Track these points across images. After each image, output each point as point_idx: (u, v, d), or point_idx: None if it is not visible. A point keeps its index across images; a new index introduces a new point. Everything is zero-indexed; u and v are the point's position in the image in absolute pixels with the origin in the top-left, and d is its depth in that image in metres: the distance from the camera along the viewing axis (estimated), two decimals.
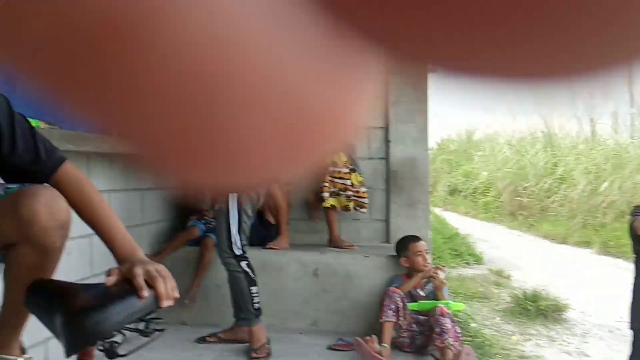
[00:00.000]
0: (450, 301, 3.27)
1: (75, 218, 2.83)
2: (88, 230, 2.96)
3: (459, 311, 3.58)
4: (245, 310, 3.16)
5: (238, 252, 3.13)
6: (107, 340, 1.08)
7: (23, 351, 1.49)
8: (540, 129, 13.31)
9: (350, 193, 3.85)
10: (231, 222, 3.12)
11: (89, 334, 1.04)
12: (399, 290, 3.29)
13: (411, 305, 3.24)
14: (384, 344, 3.06)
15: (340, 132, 0.22)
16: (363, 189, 3.91)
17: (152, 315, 1.16)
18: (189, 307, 3.64)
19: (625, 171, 9.79)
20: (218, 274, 3.47)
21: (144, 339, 1.16)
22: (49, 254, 1.30)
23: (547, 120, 12.89)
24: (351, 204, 3.85)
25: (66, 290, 1.15)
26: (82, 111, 0.21)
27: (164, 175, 0.23)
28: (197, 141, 0.20)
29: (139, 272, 1.15)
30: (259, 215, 3.90)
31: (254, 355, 3.08)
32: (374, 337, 3.05)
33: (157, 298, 1.12)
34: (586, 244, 9.06)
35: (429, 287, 3.33)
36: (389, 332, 3.14)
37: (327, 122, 0.21)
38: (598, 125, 11.67)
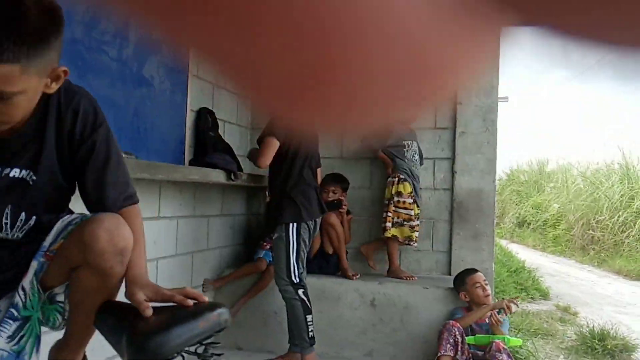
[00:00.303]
0: (507, 336, 3.22)
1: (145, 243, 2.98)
2: (154, 255, 3.10)
3: (517, 347, 3.50)
4: (299, 337, 3.23)
5: (296, 280, 3.22)
6: None
7: None
8: (617, 160, 12.82)
9: (413, 224, 3.88)
10: (290, 250, 3.21)
11: (151, 355, 1.12)
12: (458, 324, 3.26)
13: (468, 339, 3.22)
14: None
15: (453, 82, 0.23)
16: (417, 222, 3.94)
17: (211, 340, 1.22)
18: (242, 335, 3.73)
19: None
20: (276, 300, 3.57)
21: None
22: (107, 278, 1.35)
23: (625, 151, 12.41)
24: (414, 235, 3.88)
25: (133, 312, 1.24)
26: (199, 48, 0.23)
27: (281, 113, 0.23)
28: (316, 79, 0.20)
29: (187, 291, 1.28)
30: (320, 247, 3.99)
31: None
32: None
33: (218, 323, 1.20)
34: None
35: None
36: None
37: (443, 72, 0.22)
38: None
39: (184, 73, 3.42)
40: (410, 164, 3.97)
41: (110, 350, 1.26)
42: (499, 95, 4.26)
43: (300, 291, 3.23)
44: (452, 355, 3.16)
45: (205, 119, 3.71)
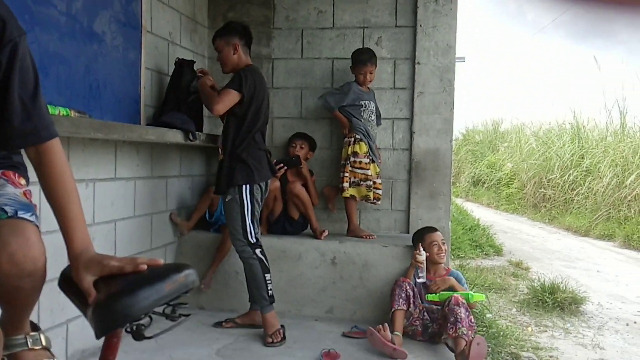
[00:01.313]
0: (471, 292, 3.31)
1: (101, 205, 2.93)
2: (112, 216, 3.08)
3: (480, 302, 3.61)
4: (259, 296, 3.24)
5: (252, 239, 3.22)
6: (135, 323, 1.15)
7: (35, 328, 1.53)
8: (568, 120, 13.14)
9: (370, 183, 3.91)
10: (245, 211, 3.20)
11: (118, 317, 1.11)
12: (408, 280, 3.36)
13: (431, 297, 3.29)
14: (395, 332, 3.13)
15: None
16: (379, 180, 3.98)
17: (179, 301, 1.21)
18: (205, 292, 3.75)
19: None
20: (237, 260, 3.56)
21: (170, 323, 1.21)
22: (18, 293, 1.30)
23: (576, 111, 12.72)
24: (371, 194, 3.91)
25: (111, 277, 1.21)
26: None
27: None
28: None
29: (139, 260, 1.19)
30: (283, 210, 3.99)
31: (269, 340, 3.18)
32: (386, 325, 3.12)
33: (185, 284, 1.18)
34: (609, 237, 8.97)
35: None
36: (400, 320, 3.21)
37: None
38: (628, 117, 11.47)
39: (137, 28, 3.30)
40: (366, 124, 3.98)
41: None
42: (456, 56, 4.28)
43: (257, 250, 3.23)
44: (405, 309, 3.26)
45: (190, 68, 3.61)
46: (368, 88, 4.08)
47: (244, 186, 3.19)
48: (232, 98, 3.15)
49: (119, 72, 3.14)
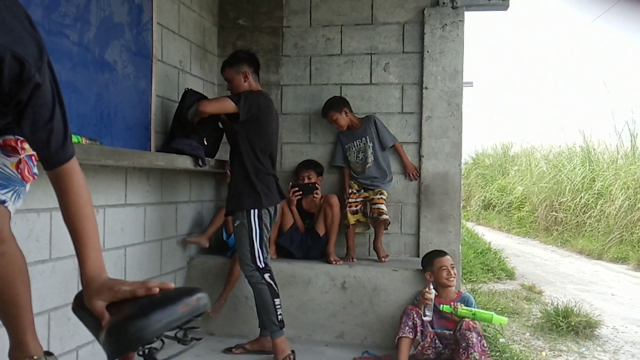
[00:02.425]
0: (494, 313, 3.25)
1: (111, 231, 2.96)
2: (122, 242, 3.09)
3: (501, 324, 3.57)
4: (268, 322, 3.24)
5: (261, 264, 3.23)
6: (147, 346, 1.15)
7: (49, 354, 1.57)
8: (578, 143, 13.10)
9: (353, 208, 4.10)
10: (253, 236, 3.21)
11: (131, 340, 1.11)
12: (416, 308, 3.33)
13: (445, 308, 3.24)
14: None
15: None
16: (379, 196, 4.09)
17: (191, 325, 1.21)
18: (215, 318, 3.74)
19: None
20: (246, 285, 3.56)
21: (182, 347, 1.21)
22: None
23: (586, 134, 12.69)
24: (353, 218, 4.10)
25: (124, 301, 1.21)
26: None
27: None
28: None
29: (151, 284, 1.19)
30: (309, 226, 4.02)
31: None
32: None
33: (197, 307, 1.18)
34: (622, 260, 8.87)
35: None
36: (405, 349, 3.18)
37: None
38: (638, 140, 11.42)
39: (147, 57, 3.36)
40: (355, 166, 4.19)
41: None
42: (463, 80, 4.32)
43: (266, 275, 3.23)
44: (411, 337, 3.22)
45: (193, 98, 3.65)
46: (355, 124, 4.19)
47: (252, 211, 3.21)
48: (224, 104, 3.25)
49: (130, 100, 3.19)
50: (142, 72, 3.31)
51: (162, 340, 1.16)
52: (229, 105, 3.22)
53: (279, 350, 3.20)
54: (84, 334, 2.73)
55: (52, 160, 1.25)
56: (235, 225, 3.25)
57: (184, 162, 3.30)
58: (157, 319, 1.12)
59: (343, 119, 4.14)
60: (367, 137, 4.15)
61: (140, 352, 1.16)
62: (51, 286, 2.44)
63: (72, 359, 2.69)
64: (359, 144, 4.16)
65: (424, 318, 3.28)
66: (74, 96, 2.68)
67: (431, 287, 3.32)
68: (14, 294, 1.50)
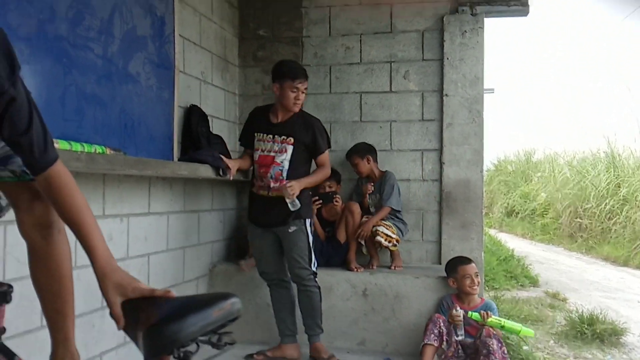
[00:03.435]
0: (522, 325, 3.21)
1: (135, 239, 3.01)
2: (145, 250, 3.13)
3: (528, 337, 3.54)
4: (314, 325, 3.45)
5: (315, 269, 3.44)
6: (182, 350, 1.16)
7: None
8: (602, 149, 12.93)
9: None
10: (310, 242, 3.42)
11: (167, 342, 1.13)
12: (443, 317, 3.32)
13: (474, 315, 3.22)
14: None
15: None
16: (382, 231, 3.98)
17: (225, 329, 1.24)
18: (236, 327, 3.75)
19: None
20: (268, 292, 3.61)
21: (215, 351, 1.23)
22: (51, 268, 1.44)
23: (610, 140, 12.52)
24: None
25: (148, 301, 1.25)
26: None
27: None
28: None
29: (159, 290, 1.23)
30: (330, 234, 4.07)
31: None
32: None
33: (231, 312, 1.20)
34: None
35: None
36: (429, 356, 3.18)
37: None
38: None
39: (170, 69, 3.42)
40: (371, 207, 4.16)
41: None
42: (484, 87, 4.31)
43: (317, 280, 3.45)
44: (436, 345, 3.20)
45: (197, 113, 3.72)
46: (375, 176, 4.19)
47: (307, 220, 3.43)
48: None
49: (153, 111, 3.25)
50: (165, 83, 3.37)
51: (197, 343, 1.18)
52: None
53: (323, 350, 3.42)
54: (108, 340, 2.79)
55: (38, 165, 1.28)
56: (291, 231, 3.39)
57: (206, 171, 3.35)
58: (192, 322, 1.14)
59: (364, 166, 4.15)
60: (377, 192, 4.14)
61: (176, 355, 1.17)
62: (76, 293, 2.49)
63: None
64: (374, 199, 4.16)
65: (457, 338, 3.26)
66: (98, 108, 2.74)
67: (457, 307, 3.30)
68: (65, 286, 1.51)
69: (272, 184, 3.40)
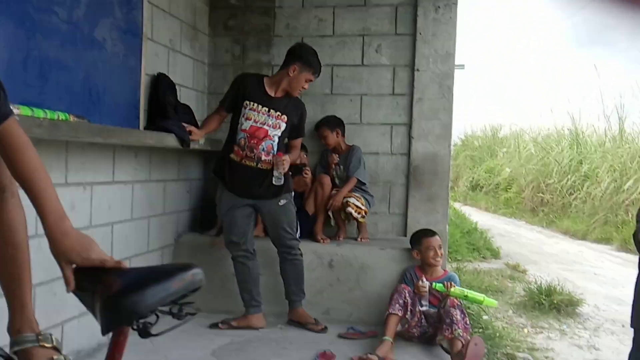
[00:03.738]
0: (485, 296, 3.28)
1: (98, 208, 2.98)
2: (109, 219, 3.11)
3: (491, 307, 3.65)
4: (299, 291, 3.62)
5: (298, 237, 3.67)
6: (142, 321, 1.15)
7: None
8: (567, 126, 13.19)
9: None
10: (295, 214, 3.57)
11: (126, 313, 1.12)
12: (408, 287, 3.38)
13: (438, 286, 3.26)
14: (385, 337, 3.15)
15: None
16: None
17: (186, 300, 1.24)
18: (201, 296, 3.76)
19: None
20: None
21: (176, 321, 1.21)
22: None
23: (575, 118, 12.77)
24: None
25: (107, 271, 1.24)
26: None
27: None
28: None
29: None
30: (299, 205, 4.06)
31: (319, 327, 3.54)
32: (369, 355, 3.01)
33: (192, 282, 1.19)
34: (606, 240, 9.02)
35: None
36: (392, 325, 3.22)
37: None
38: (626, 124, 11.53)
39: (137, 36, 3.34)
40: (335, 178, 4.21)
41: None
42: (455, 63, 4.33)
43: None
44: (400, 315, 3.27)
45: (164, 82, 3.66)
46: (341, 149, 4.23)
47: (291, 193, 3.60)
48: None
49: (119, 78, 3.19)
50: (132, 50, 3.30)
51: (156, 314, 1.16)
52: None
53: (307, 315, 3.59)
54: (70, 309, 2.77)
55: None
56: (282, 205, 3.47)
57: (173, 140, 3.31)
58: (152, 293, 1.13)
59: (333, 139, 4.16)
60: (344, 166, 4.18)
61: (135, 327, 1.16)
62: (36, 262, 2.43)
63: (57, 334, 2.71)
64: (339, 171, 4.20)
65: (421, 308, 3.33)
66: (62, 74, 2.67)
67: (424, 279, 3.36)
68: (20, 251, 1.47)
69: (263, 157, 3.39)
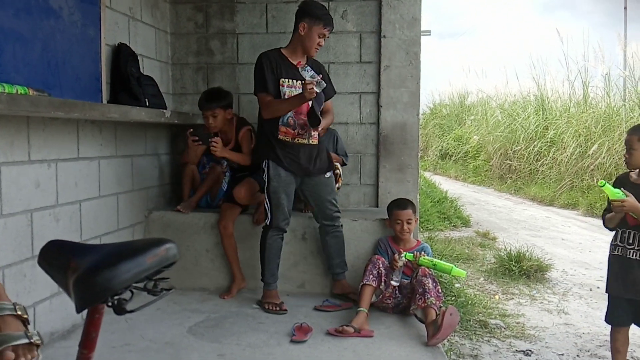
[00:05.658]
0: (454, 266, 3.28)
1: (65, 186, 2.88)
2: (76, 197, 3.02)
3: (460, 277, 3.65)
4: (342, 263, 3.62)
5: None
6: (116, 297, 1.14)
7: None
8: (532, 92, 13.30)
9: None
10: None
11: (99, 290, 1.10)
12: (383, 258, 3.37)
13: (408, 255, 3.26)
14: (360, 308, 3.14)
15: None
16: None
17: (161, 275, 1.21)
18: (173, 273, 3.71)
19: (615, 134, 9.86)
20: (208, 238, 3.55)
21: (152, 297, 1.21)
22: None
23: (540, 83, 12.89)
24: None
25: (79, 249, 1.22)
26: None
27: None
28: None
29: None
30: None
31: (355, 296, 3.38)
32: (344, 327, 2.99)
33: (166, 257, 1.18)
34: (573, 206, 9.20)
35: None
36: (367, 296, 3.21)
37: None
38: (590, 88, 11.67)
39: (95, 4, 3.20)
40: None
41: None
42: (421, 29, 4.28)
43: None
44: (374, 285, 3.26)
45: (126, 52, 3.53)
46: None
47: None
48: None
49: (78, 49, 3.05)
50: (90, 19, 3.16)
51: (131, 291, 1.15)
52: None
53: (349, 286, 3.56)
54: (41, 290, 2.70)
55: None
56: (329, 177, 3.49)
57: (138, 114, 3.20)
58: (126, 269, 1.11)
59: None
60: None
61: (110, 303, 1.15)
62: (4, 243, 2.37)
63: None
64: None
65: (392, 282, 3.31)
66: (18, 44, 2.54)
67: (402, 254, 3.33)
68: None
69: (313, 132, 3.36)
